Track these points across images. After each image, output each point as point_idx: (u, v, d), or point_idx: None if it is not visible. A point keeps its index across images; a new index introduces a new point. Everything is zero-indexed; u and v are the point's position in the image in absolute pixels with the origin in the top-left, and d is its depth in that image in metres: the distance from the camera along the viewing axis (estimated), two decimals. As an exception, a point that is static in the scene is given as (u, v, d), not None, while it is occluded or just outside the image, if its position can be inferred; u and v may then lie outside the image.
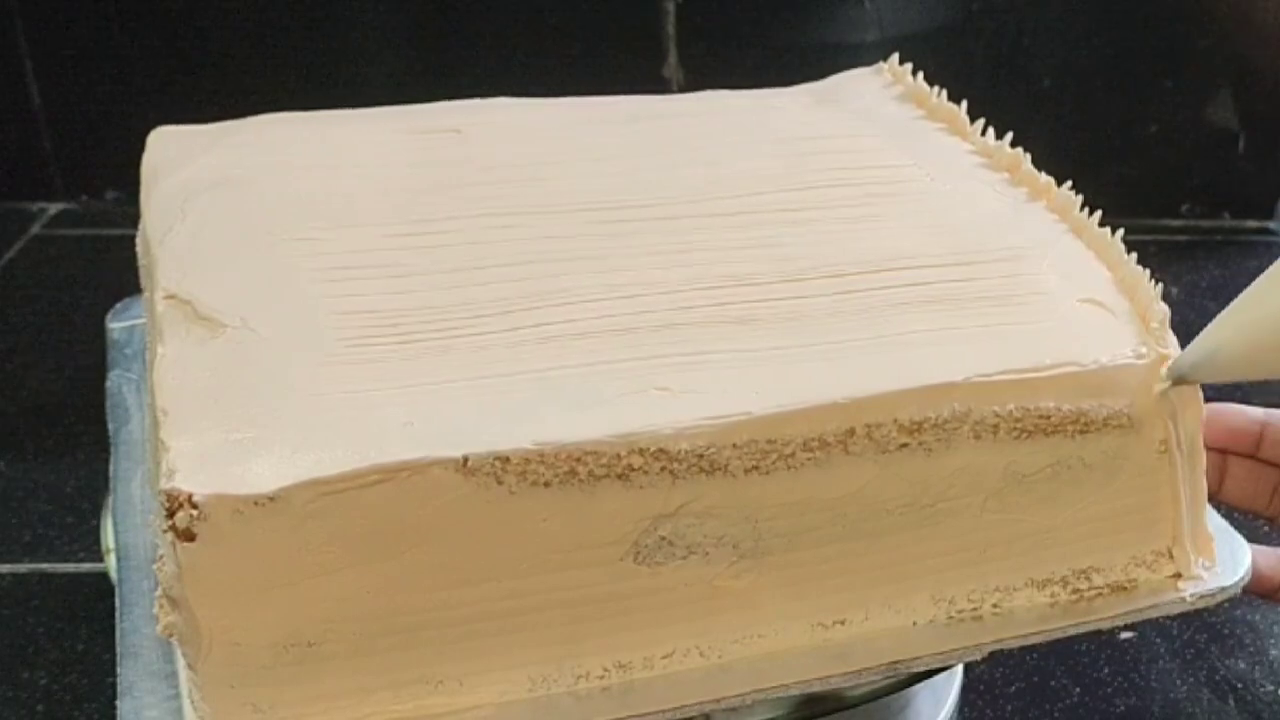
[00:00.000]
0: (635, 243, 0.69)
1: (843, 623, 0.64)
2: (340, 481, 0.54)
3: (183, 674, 0.59)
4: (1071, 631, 0.66)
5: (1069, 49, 1.34)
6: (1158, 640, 0.87)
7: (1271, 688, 0.83)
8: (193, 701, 0.57)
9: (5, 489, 1.02)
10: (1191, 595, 0.68)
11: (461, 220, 0.70)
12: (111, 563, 0.68)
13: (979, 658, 0.65)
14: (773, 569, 0.62)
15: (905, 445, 0.62)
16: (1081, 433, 0.64)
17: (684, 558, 0.60)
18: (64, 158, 1.41)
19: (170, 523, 0.53)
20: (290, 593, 0.55)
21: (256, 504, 0.53)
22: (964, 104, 0.81)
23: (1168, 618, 0.79)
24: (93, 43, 1.39)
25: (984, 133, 0.80)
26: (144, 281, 0.72)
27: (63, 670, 0.87)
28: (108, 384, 0.79)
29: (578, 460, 0.57)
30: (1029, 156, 0.77)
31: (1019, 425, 0.63)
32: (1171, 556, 0.68)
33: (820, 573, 0.63)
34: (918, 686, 0.69)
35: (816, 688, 0.62)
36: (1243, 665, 0.85)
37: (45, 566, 0.96)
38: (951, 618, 0.65)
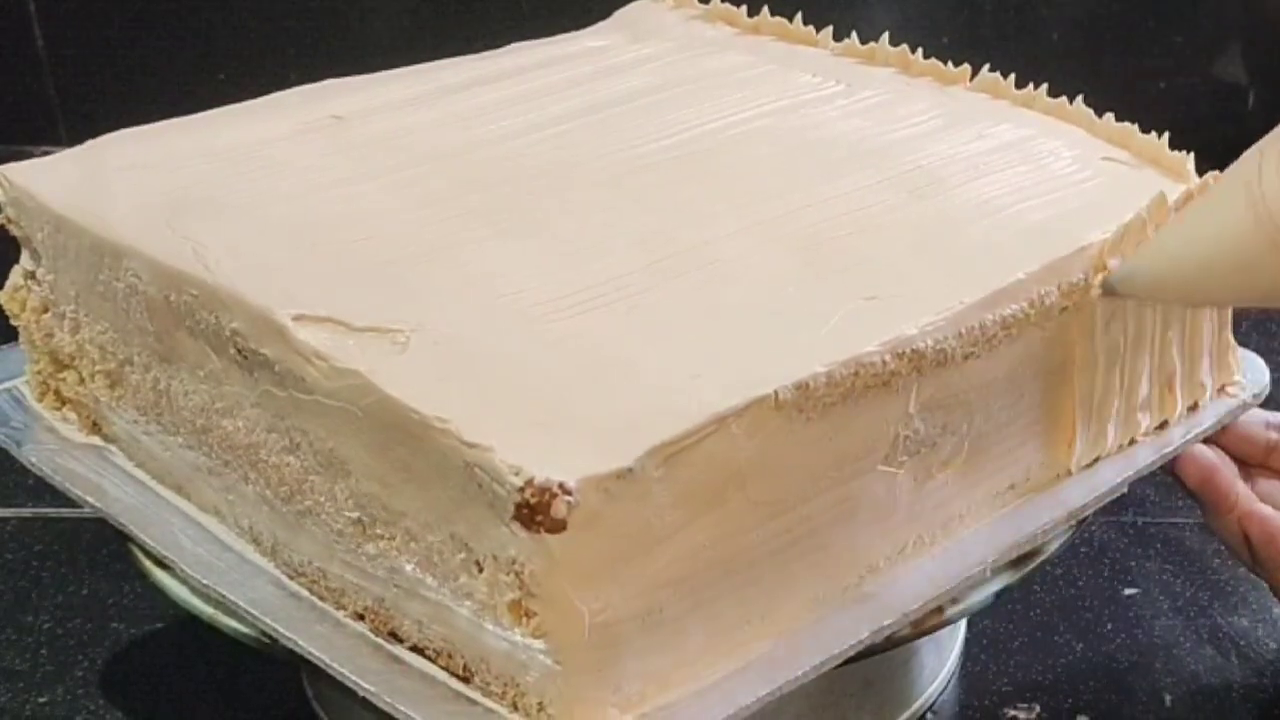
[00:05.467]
0: (687, 190, 0.70)
1: (1012, 487, 0.69)
2: (682, 440, 0.54)
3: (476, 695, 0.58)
4: (1182, 449, 0.74)
5: (1078, 3, 1.33)
6: (1161, 597, 0.87)
7: (1274, 645, 0.83)
8: (533, 706, 0.56)
9: (8, 434, 1.02)
10: (1249, 396, 0.77)
11: (474, 196, 0.70)
12: (231, 623, 0.64)
13: (1124, 490, 0.71)
14: (972, 449, 0.65)
15: (1065, 309, 0.66)
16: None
17: (916, 452, 0.63)
18: (68, 103, 1.40)
19: (541, 518, 0.52)
20: (645, 562, 0.55)
21: (619, 478, 0.52)
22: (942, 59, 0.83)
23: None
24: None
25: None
26: (140, 315, 0.68)
27: (66, 615, 0.87)
28: (33, 461, 0.73)
29: (855, 375, 0.59)
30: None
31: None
32: (1220, 369, 0.76)
33: (1002, 445, 0.67)
34: (921, 641, 0.71)
35: (1026, 548, 0.67)
36: (1245, 623, 0.85)
37: (48, 511, 0.95)
38: (1081, 465, 0.71)
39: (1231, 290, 0.66)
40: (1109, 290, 0.67)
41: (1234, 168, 0.64)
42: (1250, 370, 0.78)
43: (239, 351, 0.63)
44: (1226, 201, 0.63)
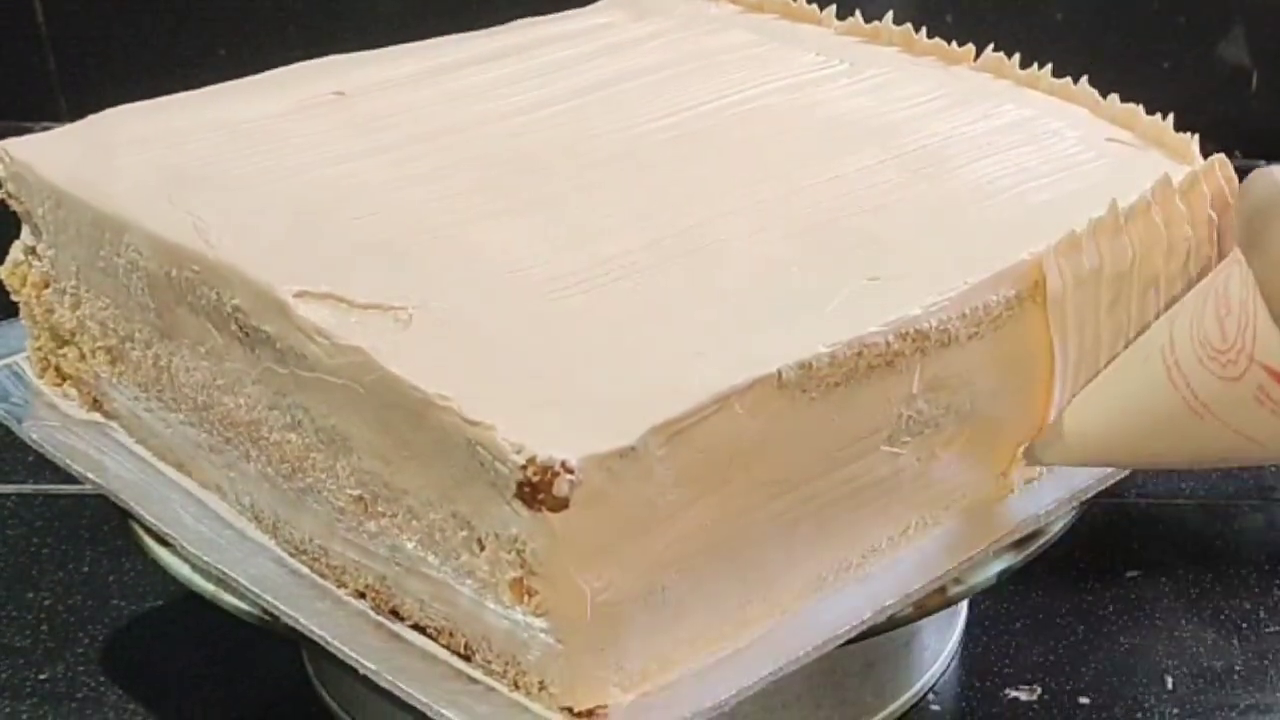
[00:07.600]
0: (690, 169, 0.70)
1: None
2: (685, 419, 0.54)
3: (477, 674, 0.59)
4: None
5: (1081, -18, 1.33)
6: (1163, 579, 0.87)
7: (1276, 628, 0.83)
8: (534, 684, 0.56)
9: (9, 409, 1.02)
10: None
11: (477, 173, 0.69)
12: (231, 600, 0.64)
13: (1126, 474, 0.71)
14: (974, 429, 0.65)
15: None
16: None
17: (919, 432, 0.63)
18: (69, 78, 1.40)
19: (543, 497, 0.51)
20: (647, 541, 0.54)
21: (621, 457, 0.52)
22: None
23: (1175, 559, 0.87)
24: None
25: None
26: (141, 291, 0.68)
27: (66, 591, 0.87)
28: (34, 437, 0.73)
29: (859, 355, 0.58)
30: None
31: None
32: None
33: (1001, 425, 0.67)
34: (922, 621, 0.71)
35: (1029, 529, 0.67)
36: (1247, 605, 0.84)
37: (49, 488, 0.95)
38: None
39: (1153, 455, 0.66)
40: (1035, 462, 0.67)
41: (1147, 335, 0.65)
42: None
43: (240, 328, 0.63)
44: (1143, 368, 0.63)
